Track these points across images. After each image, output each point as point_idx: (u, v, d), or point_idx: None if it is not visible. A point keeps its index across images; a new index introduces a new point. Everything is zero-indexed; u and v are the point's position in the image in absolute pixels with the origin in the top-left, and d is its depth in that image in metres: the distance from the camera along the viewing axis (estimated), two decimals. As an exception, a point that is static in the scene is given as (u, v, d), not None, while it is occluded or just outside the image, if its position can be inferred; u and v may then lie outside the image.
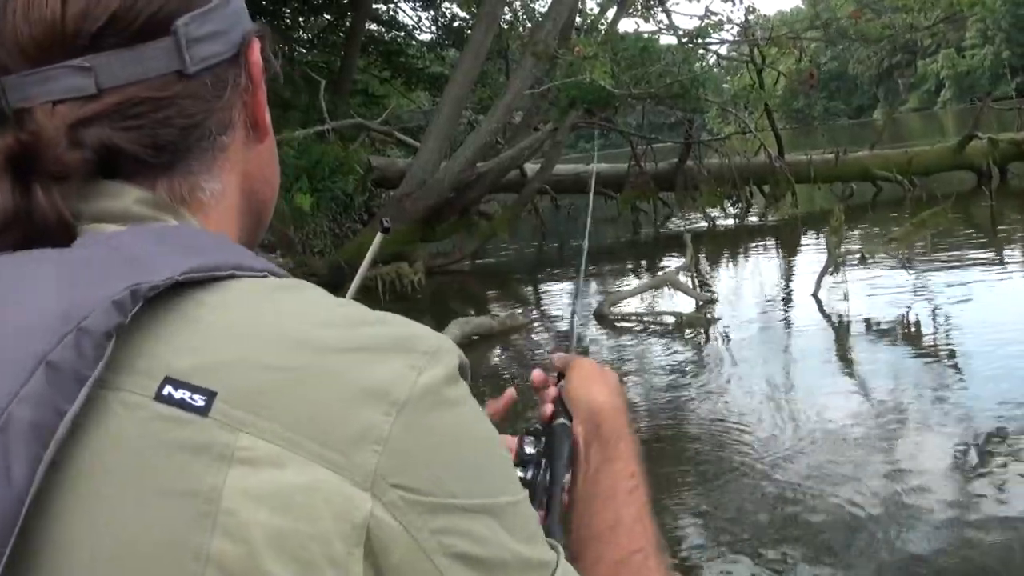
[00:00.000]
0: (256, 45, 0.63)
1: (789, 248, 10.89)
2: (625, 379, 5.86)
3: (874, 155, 14.25)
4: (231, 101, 0.60)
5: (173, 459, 0.45)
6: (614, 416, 0.84)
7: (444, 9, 18.56)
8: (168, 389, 0.46)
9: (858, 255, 6.97)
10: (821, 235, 11.32)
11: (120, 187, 0.55)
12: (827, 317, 6.70)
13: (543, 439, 0.84)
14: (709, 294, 7.53)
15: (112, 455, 0.45)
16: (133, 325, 0.46)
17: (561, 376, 0.91)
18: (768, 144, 13.69)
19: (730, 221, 13.88)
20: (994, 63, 64.52)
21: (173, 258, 0.49)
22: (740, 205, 13.93)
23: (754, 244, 11.74)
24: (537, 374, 0.94)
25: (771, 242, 11.82)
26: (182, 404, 0.45)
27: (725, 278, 9.52)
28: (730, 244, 11.65)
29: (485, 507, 0.50)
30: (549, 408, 0.88)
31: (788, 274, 9.14)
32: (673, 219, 14.63)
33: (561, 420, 0.85)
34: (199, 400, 0.45)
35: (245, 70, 0.62)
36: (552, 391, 0.89)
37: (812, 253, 10.08)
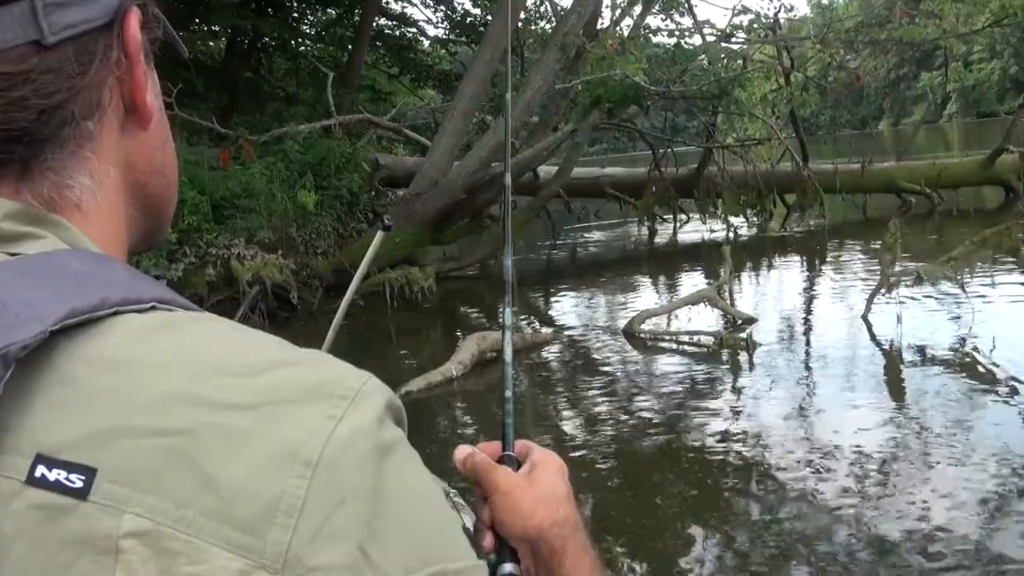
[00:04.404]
0: (134, 14, 0.53)
1: (821, 262, 10.33)
2: (656, 401, 5.32)
3: (901, 166, 13.71)
4: (99, 78, 0.51)
5: (55, 561, 0.39)
6: (553, 530, 0.71)
7: (456, 4, 18.07)
8: (41, 470, 0.40)
9: (913, 275, 6.39)
10: (848, 247, 10.83)
11: None
12: (878, 343, 6.14)
13: None
14: (748, 313, 6.94)
15: None
16: (2, 393, 0.40)
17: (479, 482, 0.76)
18: (789, 153, 13.17)
19: (751, 230, 13.33)
20: (1001, 78, 64.03)
21: (45, 302, 0.42)
22: (762, 215, 13.38)
23: (782, 256, 11.17)
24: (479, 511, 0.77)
25: (800, 254, 11.27)
26: (58, 487, 0.40)
27: (760, 294, 8.93)
28: (755, 255, 11.06)
29: None
30: (489, 540, 0.73)
31: (829, 292, 8.52)
32: (687, 227, 14.14)
33: (507, 570, 0.72)
34: (77, 481, 0.40)
35: (120, 42, 0.51)
36: (487, 516, 0.74)
37: (847, 267, 9.54)
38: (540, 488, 0.73)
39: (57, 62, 0.48)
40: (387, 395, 0.46)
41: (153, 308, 0.46)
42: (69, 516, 0.40)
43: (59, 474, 0.40)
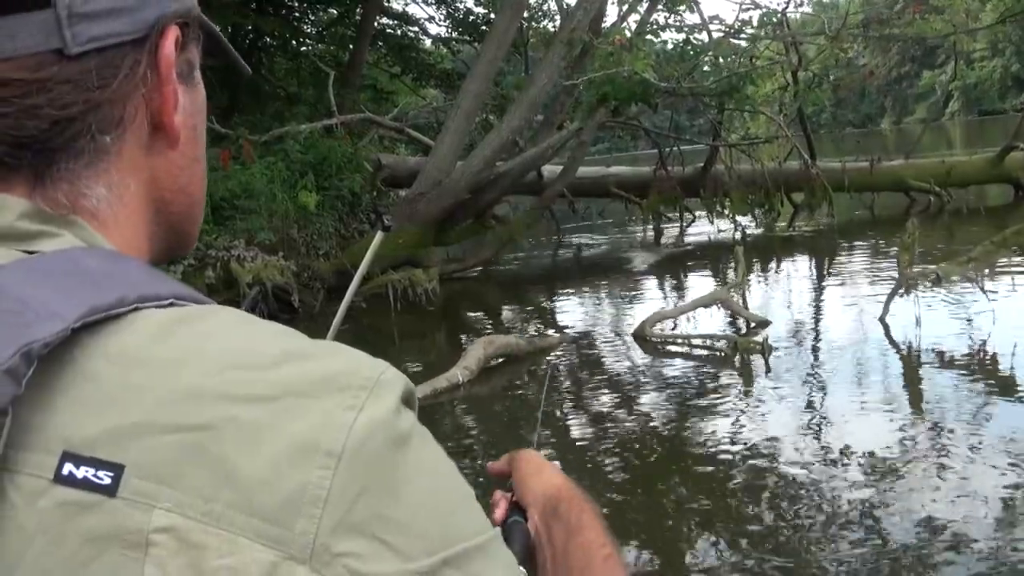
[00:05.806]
0: (172, 31, 0.52)
1: (831, 261, 10.15)
2: (668, 405, 5.16)
3: (909, 165, 13.52)
4: (122, 93, 0.49)
5: (80, 556, 0.40)
6: (571, 494, 0.79)
7: (459, 3, 17.92)
8: (69, 467, 0.40)
9: (931, 276, 6.22)
10: (858, 247, 10.66)
11: None
12: (896, 345, 5.97)
13: None
14: (762, 316, 6.76)
15: (9, 558, 0.40)
16: (25, 391, 0.40)
17: (508, 476, 0.88)
18: (796, 151, 12.99)
19: (758, 230, 13.15)
20: (1003, 75, 63.83)
21: (63, 300, 0.43)
22: (770, 214, 13.22)
23: (791, 256, 10.99)
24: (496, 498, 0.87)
25: (810, 254, 11.08)
26: (86, 484, 0.40)
27: (772, 296, 8.74)
28: (764, 255, 10.88)
29: (455, 557, 0.43)
30: (501, 511, 0.84)
31: (842, 292, 8.31)
32: (693, 226, 13.97)
33: (514, 518, 0.81)
34: (105, 478, 0.40)
35: (151, 59, 0.51)
36: (502, 500, 0.85)
37: (858, 267, 9.37)
38: (557, 466, 0.84)
39: (77, 74, 0.47)
40: (404, 383, 0.46)
41: (171, 305, 0.46)
42: (94, 512, 0.40)
43: (87, 471, 0.40)
